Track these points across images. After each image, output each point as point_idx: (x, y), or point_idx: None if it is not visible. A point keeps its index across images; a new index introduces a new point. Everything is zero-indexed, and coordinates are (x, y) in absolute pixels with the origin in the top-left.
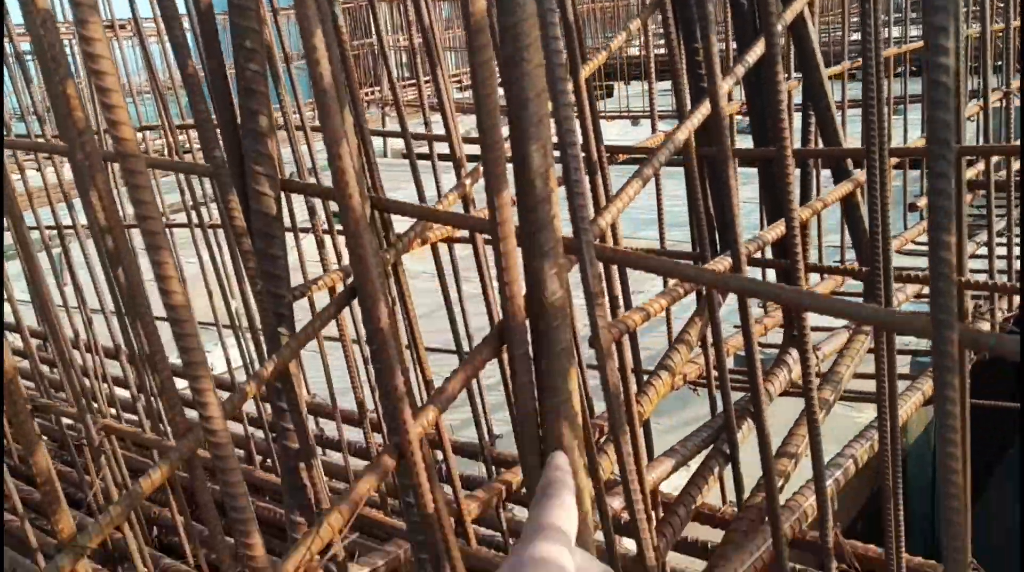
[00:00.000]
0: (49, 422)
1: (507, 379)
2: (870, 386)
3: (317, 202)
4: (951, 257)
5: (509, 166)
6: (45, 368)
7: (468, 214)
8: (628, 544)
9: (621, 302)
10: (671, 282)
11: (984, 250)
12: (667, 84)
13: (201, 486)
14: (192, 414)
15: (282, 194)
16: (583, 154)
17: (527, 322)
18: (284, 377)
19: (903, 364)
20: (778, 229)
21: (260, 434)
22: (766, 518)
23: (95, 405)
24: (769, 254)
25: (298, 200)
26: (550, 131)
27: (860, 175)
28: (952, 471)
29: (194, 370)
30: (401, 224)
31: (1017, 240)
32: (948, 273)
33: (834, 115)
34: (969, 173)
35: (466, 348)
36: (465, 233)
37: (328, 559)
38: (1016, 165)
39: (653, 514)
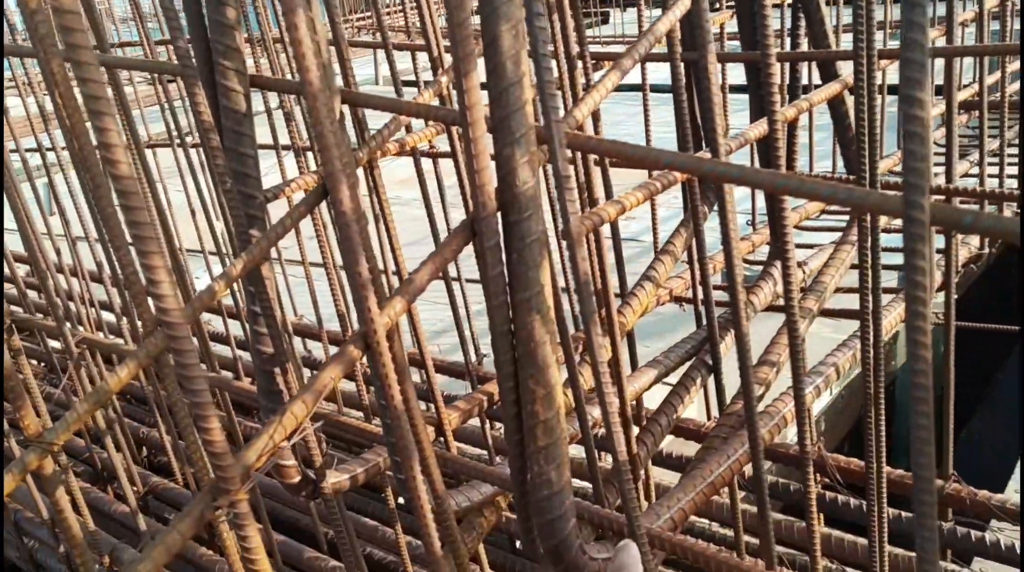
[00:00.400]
0: (37, 346)
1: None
2: (856, 303)
3: (299, 115)
4: (924, 114)
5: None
6: (33, 294)
7: (437, 106)
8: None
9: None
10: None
11: (976, 170)
12: (660, 11)
13: (172, 386)
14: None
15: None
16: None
17: (498, 214)
18: (256, 280)
19: (890, 279)
20: (761, 126)
21: (248, 357)
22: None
23: (80, 328)
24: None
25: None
26: (522, 12)
27: (848, 76)
28: (921, 359)
29: (144, 245)
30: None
31: (1012, 160)
32: (920, 132)
33: (824, 18)
34: (963, 95)
35: (452, 272)
36: (447, 147)
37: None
38: (1012, 87)
39: (633, 423)
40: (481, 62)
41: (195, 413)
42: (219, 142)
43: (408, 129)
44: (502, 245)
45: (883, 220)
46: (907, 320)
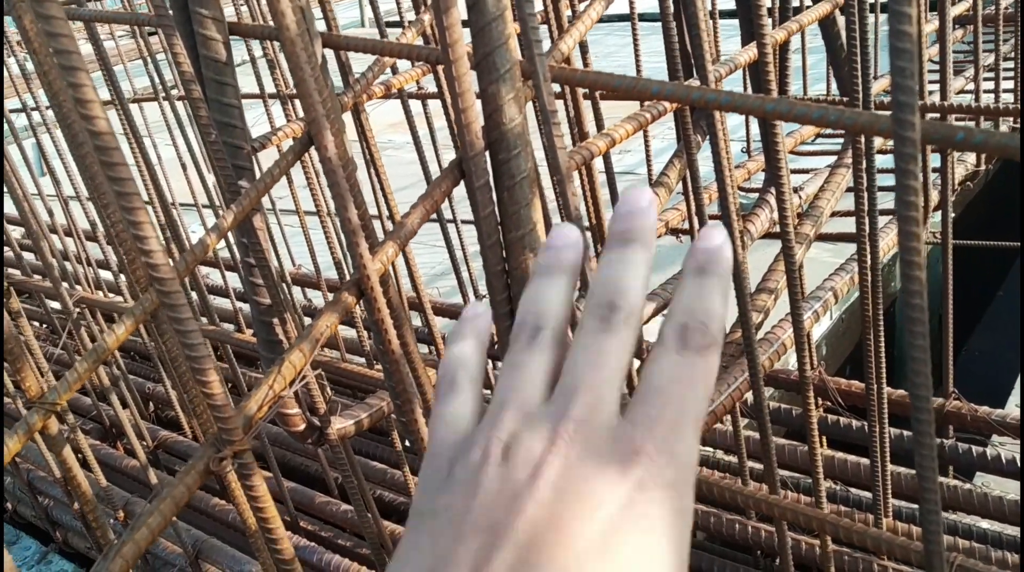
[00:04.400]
0: (37, 308)
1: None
2: (854, 227)
3: (283, 62)
4: (911, 29)
5: None
6: (30, 256)
7: (420, 45)
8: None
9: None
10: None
11: (971, 86)
12: None
13: (171, 342)
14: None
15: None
16: None
17: (486, 153)
18: (249, 231)
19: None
20: (751, 51)
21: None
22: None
23: (78, 288)
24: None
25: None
26: None
27: None
28: (914, 278)
29: (128, 201)
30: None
31: (1008, 74)
32: (909, 48)
33: None
34: (957, 9)
35: (447, 214)
36: (434, 87)
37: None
38: (1006, 0)
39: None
40: None
41: (193, 366)
42: (201, 93)
43: (394, 71)
44: (492, 184)
45: (878, 142)
46: (900, 240)
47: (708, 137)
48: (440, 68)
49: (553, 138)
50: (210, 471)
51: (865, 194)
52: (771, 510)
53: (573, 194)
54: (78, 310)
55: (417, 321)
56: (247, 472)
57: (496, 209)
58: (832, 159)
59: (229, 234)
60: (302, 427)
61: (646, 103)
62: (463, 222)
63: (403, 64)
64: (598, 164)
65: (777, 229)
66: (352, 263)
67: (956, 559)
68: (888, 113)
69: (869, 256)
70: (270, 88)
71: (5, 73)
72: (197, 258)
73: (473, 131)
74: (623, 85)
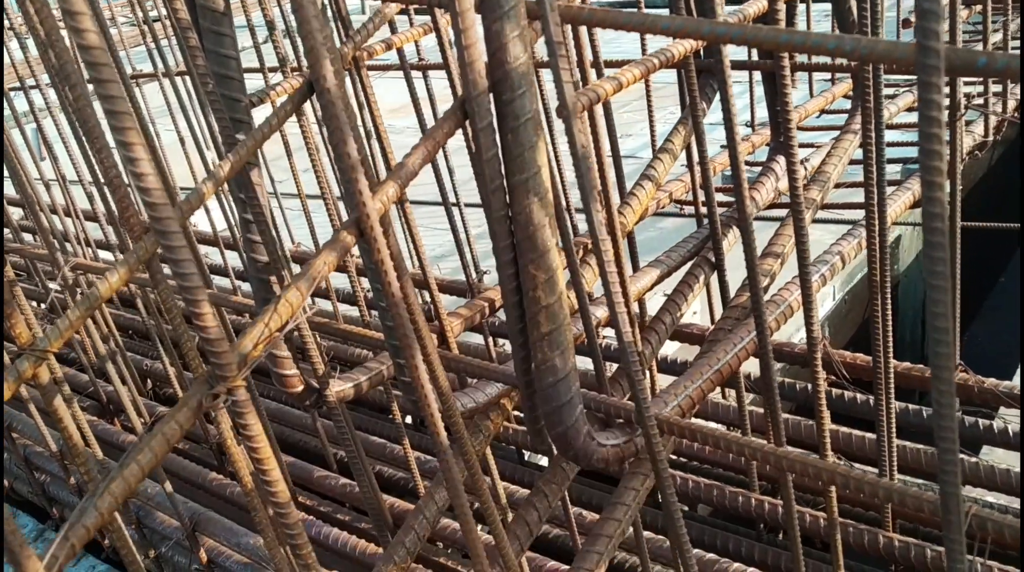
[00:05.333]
0: (36, 287)
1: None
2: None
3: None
4: None
5: None
6: (28, 238)
7: None
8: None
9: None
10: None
11: None
12: None
13: (164, 292)
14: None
15: None
16: None
17: (490, 94)
18: (246, 185)
19: (893, 171)
20: (760, 3)
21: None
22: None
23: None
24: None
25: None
26: None
27: None
28: (936, 216)
29: (119, 121)
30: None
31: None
32: None
33: None
34: None
35: (451, 197)
36: (438, 57)
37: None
38: None
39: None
40: None
41: (187, 298)
42: (199, 43)
43: (392, 29)
44: (495, 126)
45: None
46: (922, 178)
47: (715, 102)
48: (443, 20)
49: (559, 72)
50: (202, 407)
51: (874, 148)
52: (779, 463)
53: (580, 132)
54: (73, 276)
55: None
56: (241, 409)
57: (499, 152)
58: (836, 135)
59: (230, 215)
60: (300, 388)
61: (650, 49)
62: (467, 206)
63: (402, 25)
64: (604, 147)
65: (782, 199)
66: (349, 203)
67: (971, 509)
68: (906, 41)
69: (877, 222)
70: (271, 62)
71: (6, 58)
72: (193, 206)
73: (476, 70)
74: (632, 22)
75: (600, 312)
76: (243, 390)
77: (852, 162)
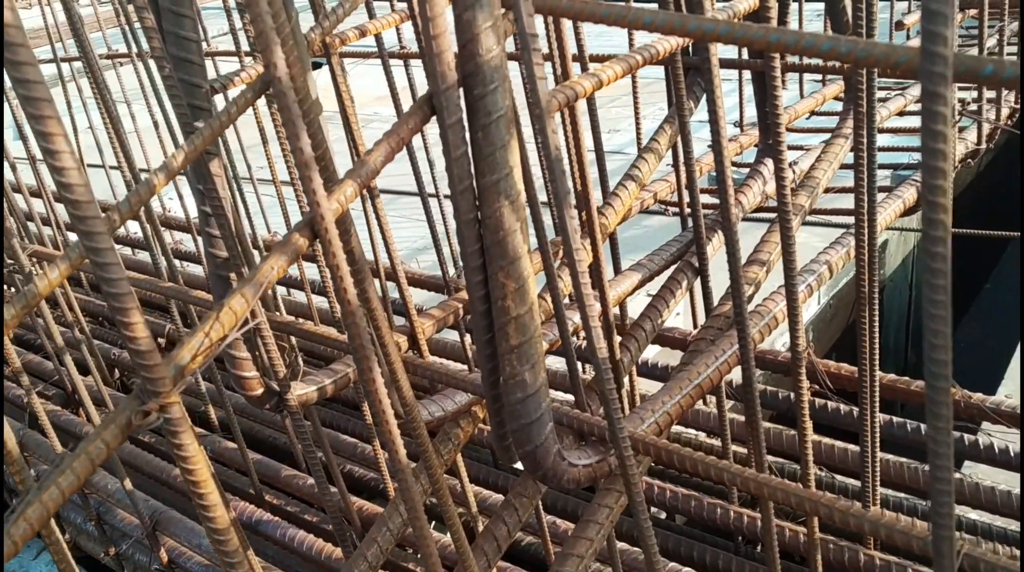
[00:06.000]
0: None
1: None
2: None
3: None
4: None
5: None
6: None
7: None
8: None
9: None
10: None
11: None
12: None
13: (117, 271)
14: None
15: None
16: None
17: (460, 88)
18: (204, 176)
19: (883, 176)
20: None
21: None
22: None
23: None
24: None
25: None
26: None
27: None
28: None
29: (38, 109)
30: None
31: (1011, 54)
32: None
33: None
34: None
35: (430, 188)
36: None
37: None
38: None
39: (616, 332)
40: None
41: (113, 305)
42: (155, 24)
43: (371, 14)
44: (465, 123)
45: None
46: (924, 201)
47: (701, 102)
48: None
49: (533, 66)
50: (132, 425)
51: (864, 153)
52: (759, 490)
53: (553, 132)
54: (31, 262)
55: (394, 294)
56: (175, 429)
57: (469, 150)
58: (826, 137)
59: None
60: (259, 391)
61: (636, 45)
62: (445, 197)
63: (381, 9)
64: (587, 143)
65: (769, 203)
66: (306, 201)
67: (963, 547)
68: (906, 44)
69: (867, 219)
70: (246, 47)
71: None
72: (142, 199)
73: (444, 61)
74: (613, 15)
75: (578, 317)
76: (177, 407)
77: (842, 166)
